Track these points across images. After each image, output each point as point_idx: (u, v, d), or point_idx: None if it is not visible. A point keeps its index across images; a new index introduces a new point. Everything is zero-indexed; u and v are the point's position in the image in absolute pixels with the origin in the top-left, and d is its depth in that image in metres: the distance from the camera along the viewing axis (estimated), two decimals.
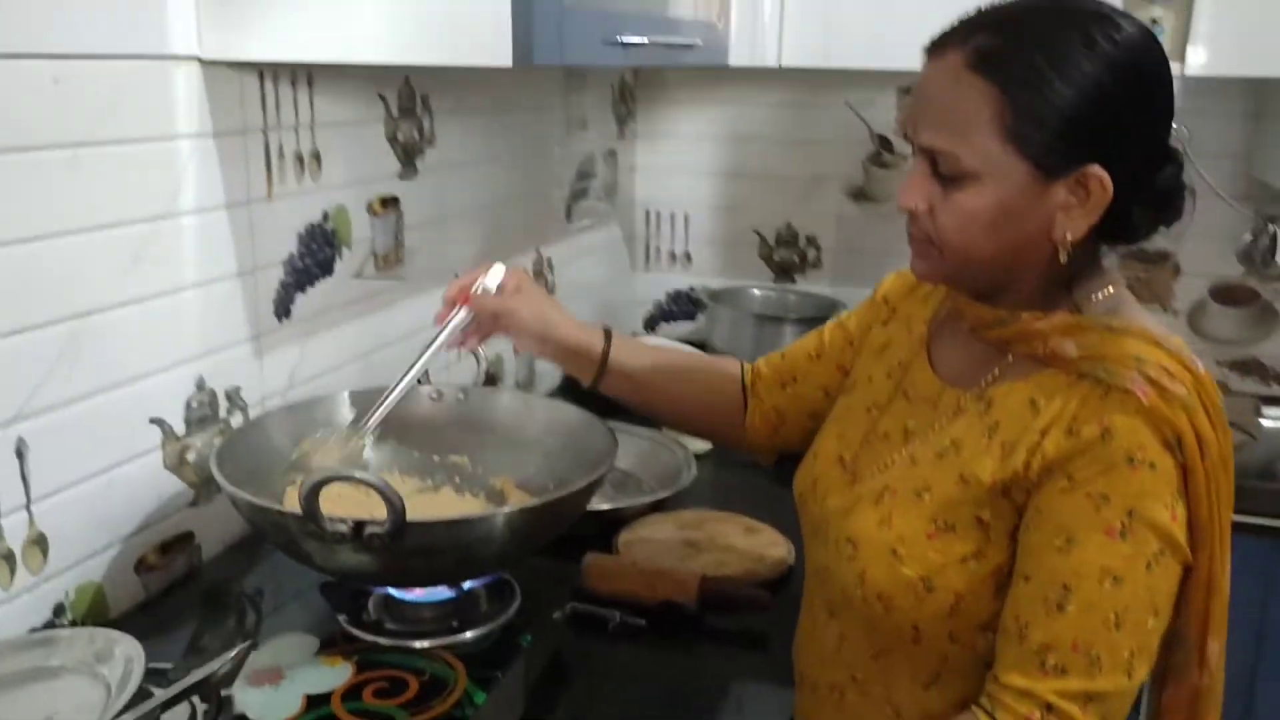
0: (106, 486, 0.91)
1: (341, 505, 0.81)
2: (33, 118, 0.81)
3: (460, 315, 0.94)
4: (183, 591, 0.99)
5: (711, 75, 1.83)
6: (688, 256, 1.97)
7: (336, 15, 0.89)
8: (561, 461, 1.00)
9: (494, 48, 0.84)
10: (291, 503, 0.87)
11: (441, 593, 0.92)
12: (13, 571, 0.82)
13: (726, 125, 1.89)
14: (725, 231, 1.94)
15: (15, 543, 0.83)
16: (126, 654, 0.51)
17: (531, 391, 1.57)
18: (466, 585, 0.93)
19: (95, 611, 0.91)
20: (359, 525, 0.78)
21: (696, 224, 1.95)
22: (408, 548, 0.79)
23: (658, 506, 1.17)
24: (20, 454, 0.82)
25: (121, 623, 0.92)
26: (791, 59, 1.45)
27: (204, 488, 1.02)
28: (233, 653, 0.75)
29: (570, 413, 1.04)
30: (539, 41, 0.85)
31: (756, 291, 1.89)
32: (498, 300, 0.94)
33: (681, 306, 1.99)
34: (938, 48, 0.72)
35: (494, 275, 0.95)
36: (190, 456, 1.00)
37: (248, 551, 1.06)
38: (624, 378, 0.96)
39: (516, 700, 0.86)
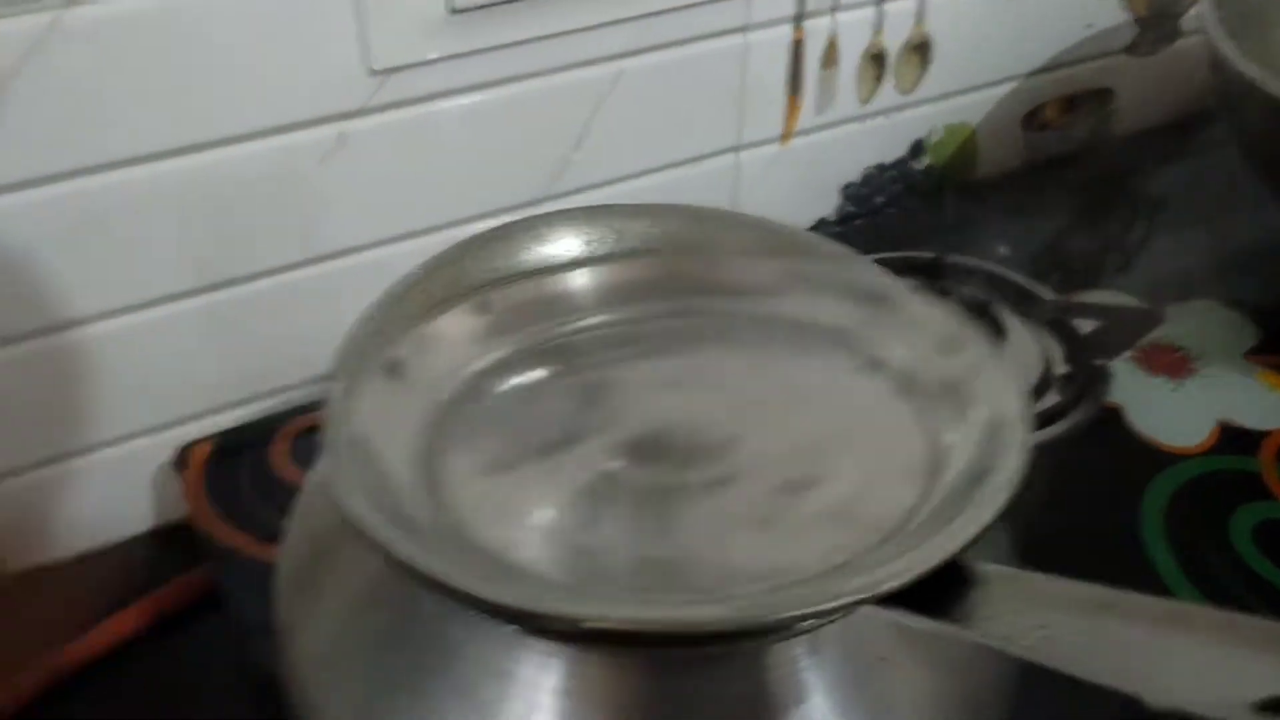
0: None
1: None
2: None
3: None
4: (1062, 174, 0.70)
5: None
6: None
7: None
8: None
9: None
10: None
11: None
12: (877, 81, 0.60)
13: None
14: None
15: (894, 41, 0.59)
16: None
17: None
18: None
19: (958, 162, 0.66)
20: None
21: None
22: None
23: None
24: None
25: (982, 188, 0.67)
26: None
27: (1152, 28, 0.68)
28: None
29: None
30: None
31: None
32: None
33: None
34: None
35: None
36: None
37: (1170, 140, 0.72)
38: None
39: None
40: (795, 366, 0.27)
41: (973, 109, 0.65)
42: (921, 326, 0.26)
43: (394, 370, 0.26)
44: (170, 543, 0.51)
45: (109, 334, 0.46)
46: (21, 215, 0.42)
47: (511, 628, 0.22)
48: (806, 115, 0.58)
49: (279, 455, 0.47)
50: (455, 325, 0.27)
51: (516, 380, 0.27)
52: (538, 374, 0.27)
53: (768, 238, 0.30)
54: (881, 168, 0.63)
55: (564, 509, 0.24)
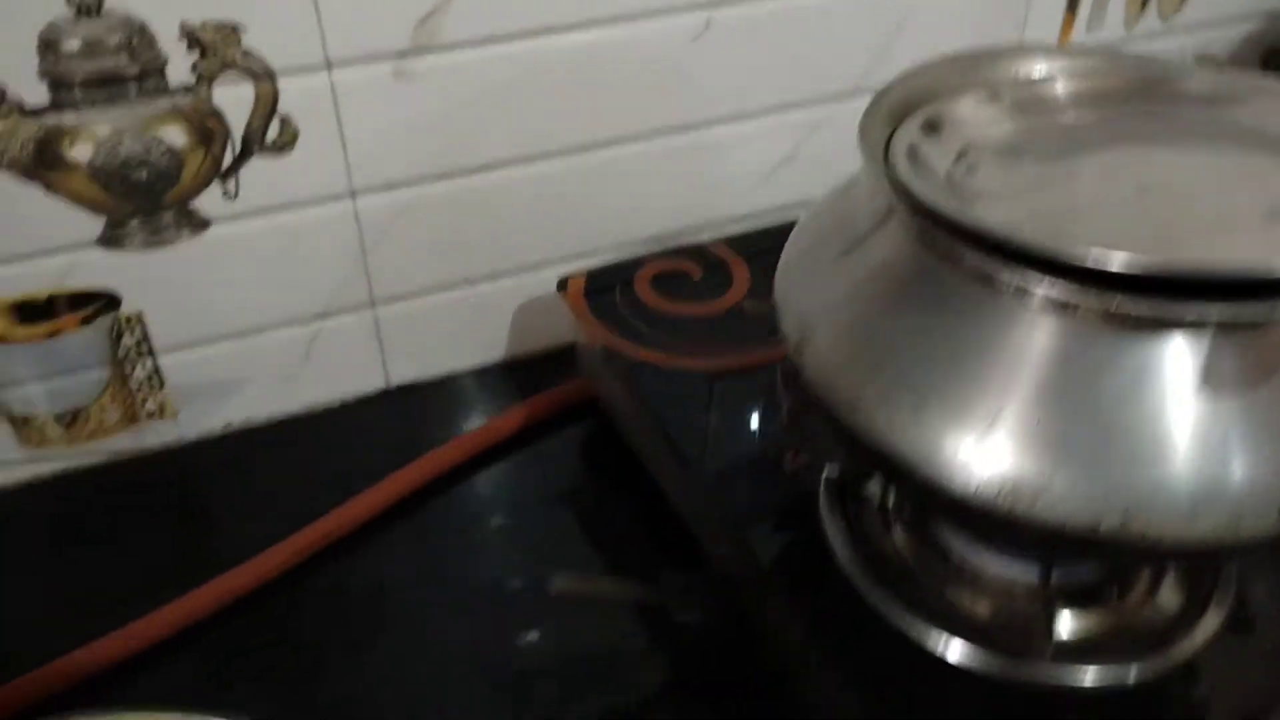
0: None
1: None
2: None
3: None
4: None
5: None
6: None
7: None
8: None
9: None
10: None
11: None
12: (1144, 6, 0.66)
13: None
14: None
15: None
16: None
17: None
18: None
19: None
20: None
21: None
22: None
23: None
24: None
25: None
26: None
27: None
28: None
29: None
30: None
31: None
32: None
33: None
34: None
35: None
36: None
37: None
38: None
39: None
40: (1256, 159, 0.34)
41: (1220, 43, 0.70)
42: None
43: (931, 126, 0.34)
44: (536, 366, 0.60)
45: (507, 181, 0.55)
46: (458, 73, 0.51)
47: (1058, 296, 0.28)
48: (1078, 31, 0.65)
49: (643, 288, 0.55)
50: (971, 105, 0.35)
51: (1019, 152, 0.34)
52: (1036, 151, 0.34)
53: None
54: None
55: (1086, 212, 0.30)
